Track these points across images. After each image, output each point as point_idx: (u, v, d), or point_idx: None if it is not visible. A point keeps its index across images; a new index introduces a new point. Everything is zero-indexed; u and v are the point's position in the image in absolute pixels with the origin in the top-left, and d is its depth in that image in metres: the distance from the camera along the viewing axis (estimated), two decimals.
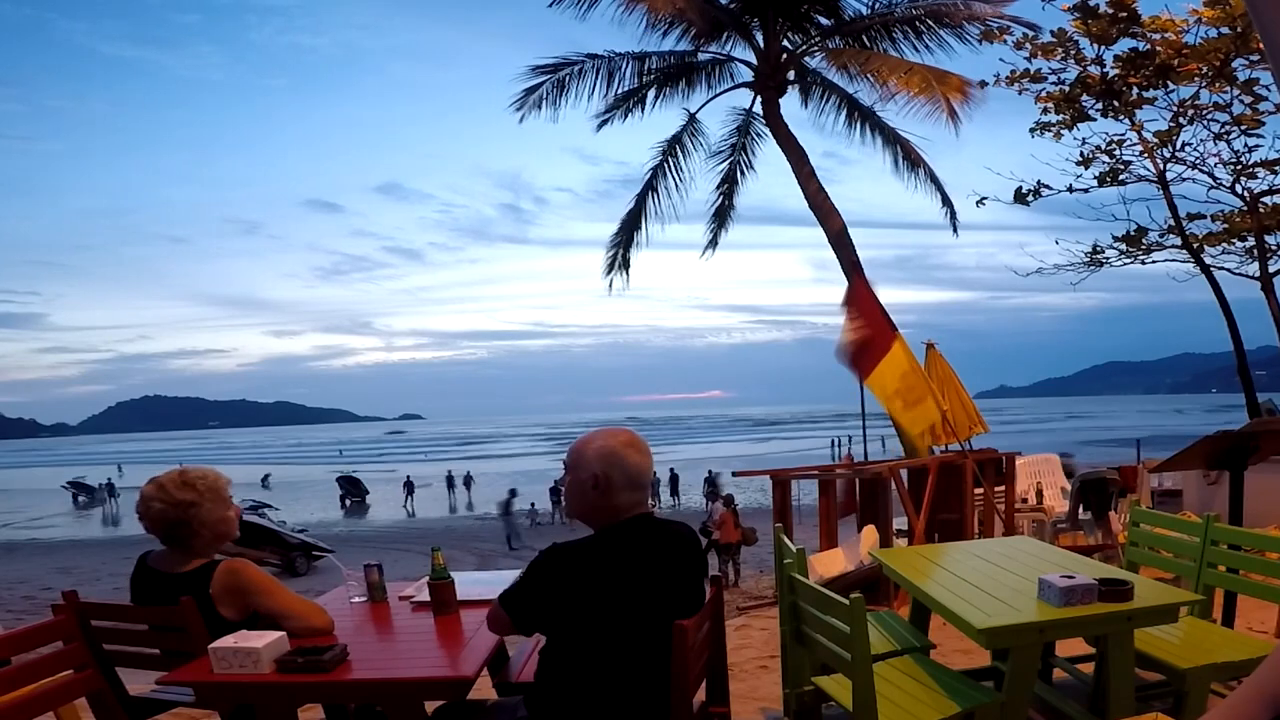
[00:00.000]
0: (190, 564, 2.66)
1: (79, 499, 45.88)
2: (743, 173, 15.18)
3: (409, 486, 37.84)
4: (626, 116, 14.16)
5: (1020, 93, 9.68)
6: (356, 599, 2.96)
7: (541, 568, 2.12)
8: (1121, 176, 10.06)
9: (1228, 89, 8.56)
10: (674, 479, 34.36)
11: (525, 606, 2.15)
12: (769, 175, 16.25)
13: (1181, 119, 9.15)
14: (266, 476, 51.07)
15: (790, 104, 13.64)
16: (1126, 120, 9.43)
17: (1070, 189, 10.17)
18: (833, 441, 60.79)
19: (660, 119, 14.71)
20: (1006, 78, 9.69)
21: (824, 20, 13.69)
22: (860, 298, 7.25)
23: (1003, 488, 7.63)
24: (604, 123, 14.21)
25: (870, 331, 6.97)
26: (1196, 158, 9.67)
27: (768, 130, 13.87)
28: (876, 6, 13.27)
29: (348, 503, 39.05)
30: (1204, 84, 8.63)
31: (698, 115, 14.45)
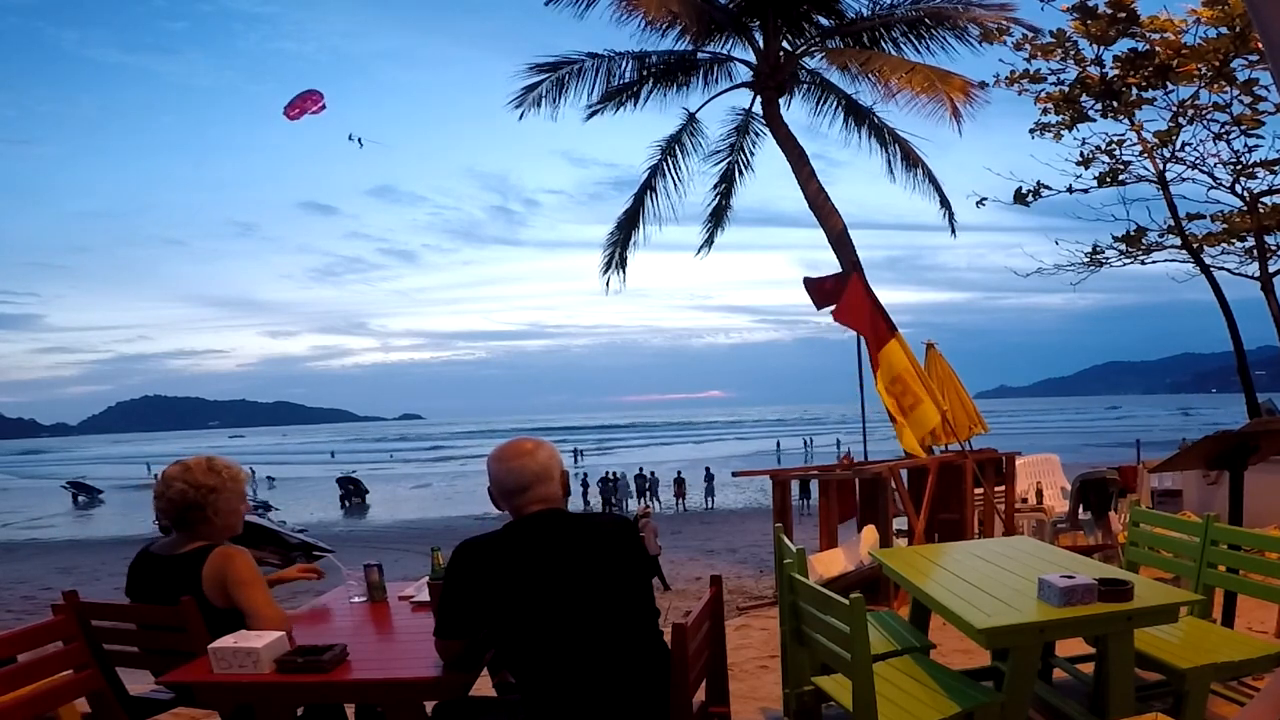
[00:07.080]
0: (190, 547, 2.67)
1: (79, 499, 45.81)
2: (740, 173, 15.13)
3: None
4: (618, 110, 14.04)
5: (1020, 93, 9.70)
6: (356, 599, 2.96)
7: (455, 564, 2.20)
8: (1121, 177, 10.06)
9: (1227, 89, 8.56)
10: (650, 479, 33.01)
11: (457, 612, 2.18)
12: (765, 177, 16.21)
13: (1181, 119, 9.15)
14: (270, 477, 51.07)
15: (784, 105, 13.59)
16: (1126, 120, 9.43)
17: (1070, 189, 10.18)
18: (805, 441, 61.21)
19: (651, 118, 14.59)
20: (1006, 78, 9.70)
21: (824, 20, 13.67)
22: (852, 294, 7.21)
23: (1003, 488, 7.62)
24: (593, 114, 13.99)
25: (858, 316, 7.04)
26: (1196, 158, 9.68)
27: (766, 130, 13.83)
28: (876, 7, 13.25)
29: (348, 503, 39.02)
30: (1203, 84, 8.63)
31: (696, 115, 14.42)
